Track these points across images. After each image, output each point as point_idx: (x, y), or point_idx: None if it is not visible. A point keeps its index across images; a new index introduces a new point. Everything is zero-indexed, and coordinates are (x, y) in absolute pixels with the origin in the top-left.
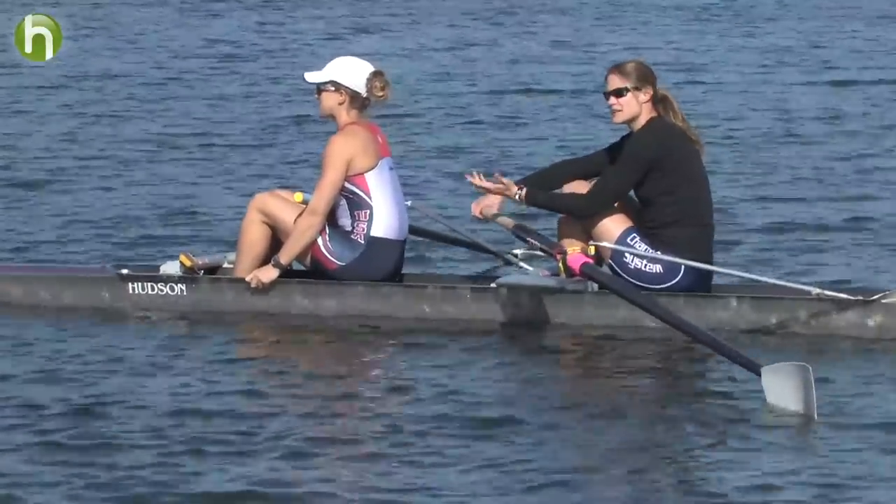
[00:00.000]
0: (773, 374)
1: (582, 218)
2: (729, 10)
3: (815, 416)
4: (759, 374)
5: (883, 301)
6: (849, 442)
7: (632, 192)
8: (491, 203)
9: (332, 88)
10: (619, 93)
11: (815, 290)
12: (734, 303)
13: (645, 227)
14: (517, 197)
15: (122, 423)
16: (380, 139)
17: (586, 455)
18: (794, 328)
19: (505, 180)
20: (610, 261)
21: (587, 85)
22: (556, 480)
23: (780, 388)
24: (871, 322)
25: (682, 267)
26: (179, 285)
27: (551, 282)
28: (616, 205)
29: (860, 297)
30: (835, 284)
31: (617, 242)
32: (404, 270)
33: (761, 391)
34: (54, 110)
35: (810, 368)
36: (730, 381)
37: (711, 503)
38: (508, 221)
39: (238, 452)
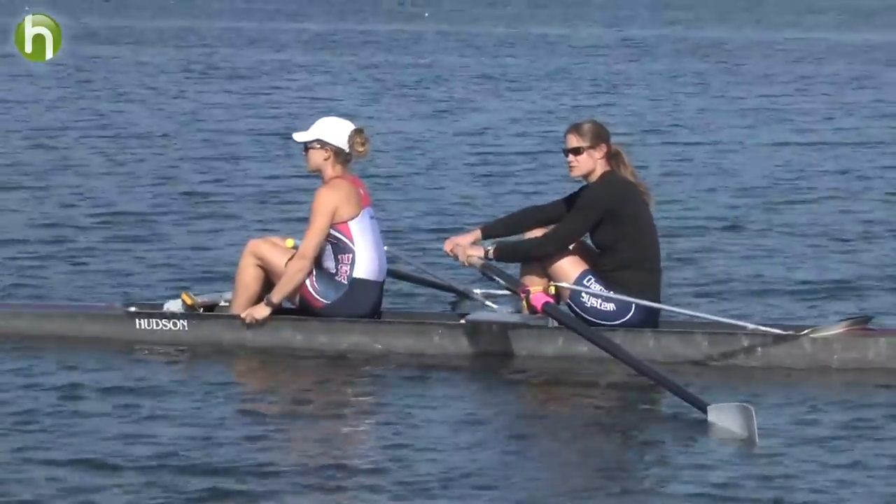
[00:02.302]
0: (718, 412)
1: (543, 257)
2: (693, 75)
3: (757, 444)
4: (705, 412)
5: (811, 335)
6: (787, 466)
7: (588, 240)
8: (462, 243)
9: (318, 146)
10: (576, 151)
11: (751, 326)
12: (680, 337)
13: (600, 270)
14: (489, 255)
15: (129, 445)
16: (361, 191)
17: (546, 476)
18: (733, 360)
19: (471, 251)
20: (569, 300)
21: (552, 144)
22: (521, 496)
23: (725, 424)
24: (800, 354)
25: (634, 305)
26: (182, 321)
27: (515, 318)
28: (574, 250)
29: (791, 332)
30: (769, 320)
31: (574, 283)
32: (382, 308)
33: (707, 423)
34: (69, 160)
35: (753, 410)
36: (678, 409)
37: None
38: (477, 261)
39: (236, 477)
